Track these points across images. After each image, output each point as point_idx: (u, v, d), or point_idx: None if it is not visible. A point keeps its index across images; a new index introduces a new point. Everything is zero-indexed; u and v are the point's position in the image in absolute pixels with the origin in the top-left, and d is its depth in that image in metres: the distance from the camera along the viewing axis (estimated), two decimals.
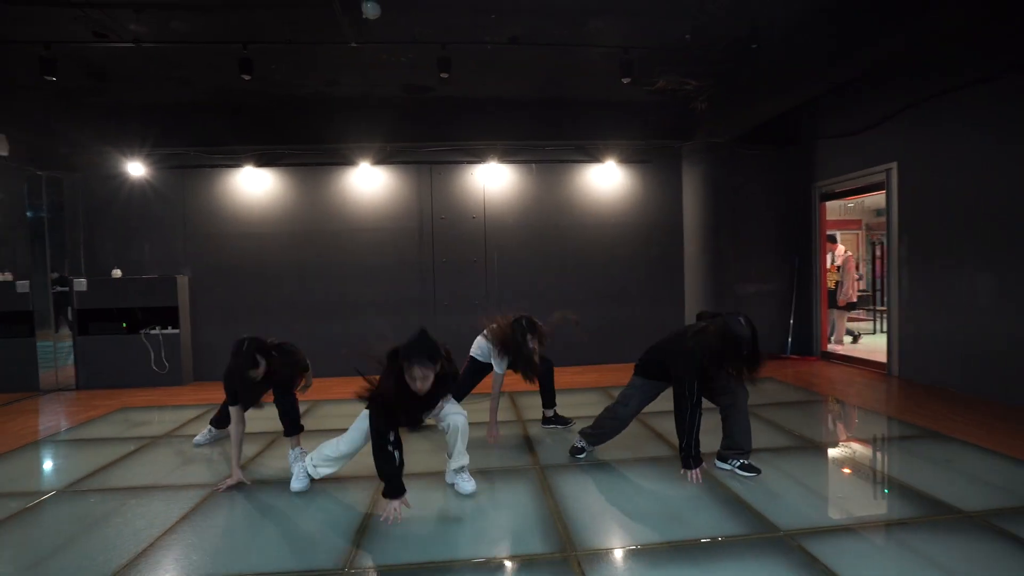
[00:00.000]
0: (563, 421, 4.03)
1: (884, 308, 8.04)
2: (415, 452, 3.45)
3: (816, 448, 3.39)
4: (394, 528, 2.43)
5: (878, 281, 8.27)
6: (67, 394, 5.48)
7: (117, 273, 5.71)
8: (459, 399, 3.40)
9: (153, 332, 5.66)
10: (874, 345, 6.88)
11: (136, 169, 5.75)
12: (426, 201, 6.21)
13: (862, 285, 8.71)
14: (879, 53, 4.17)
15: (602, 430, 3.22)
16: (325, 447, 2.81)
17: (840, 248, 7.39)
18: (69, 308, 5.60)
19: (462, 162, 6.26)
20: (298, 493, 2.84)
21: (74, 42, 4.34)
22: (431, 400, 2.57)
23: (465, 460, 2.81)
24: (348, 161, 6.08)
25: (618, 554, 2.19)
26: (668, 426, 3.77)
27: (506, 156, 6.30)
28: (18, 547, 2.36)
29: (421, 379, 2.39)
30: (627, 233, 6.47)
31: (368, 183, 6.14)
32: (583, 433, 3.29)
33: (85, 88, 5.30)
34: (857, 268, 8.55)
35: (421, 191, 6.22)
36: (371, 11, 3.37)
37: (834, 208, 9.00)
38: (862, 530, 2.33)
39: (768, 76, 5.08)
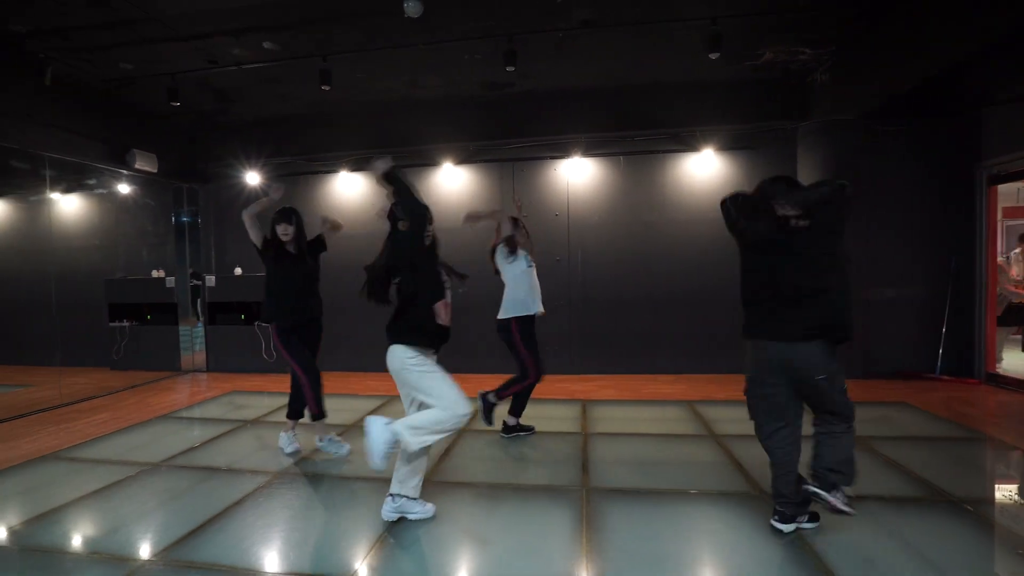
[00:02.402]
0: (526, 429, 3.81)
1: None
2: (454, 457, 3.36)
3: (952, 505, 2.61)
4: (415, 544, 2.35)
5: None
6: (199, 375, 6.34)
7: (238, 271, 6.46)
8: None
9: (264, 324, 6.31)
10: None
11: (252, 178, 6.44)
12: (508, 199, 6.11)
13: None
14: None
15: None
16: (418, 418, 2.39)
17: (1018, 250, 5.79)
18: (200, 301, 6.47)
19: (544, 158, 6.05)
20: (339, 492, 2.89)
21: (194, 71, 4.95)
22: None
23: (398, 489, 2.47)
24: (432, 162, 6.20)
25: None
26: (749, 452, 3.25)
27: (591, 149, 5.96)
28: (100, 514, 2.70)
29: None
30: (726, 230, 5.75)
31: (452, 182, 6.21)
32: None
33: (214, 110, 6.06)
34: None
35: (503, 189, 6.14)
36: (412, 10, 3.32)
37: (1012, 193, 7.16)
38: None
39: (907, 32, 4.13)
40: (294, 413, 3.53)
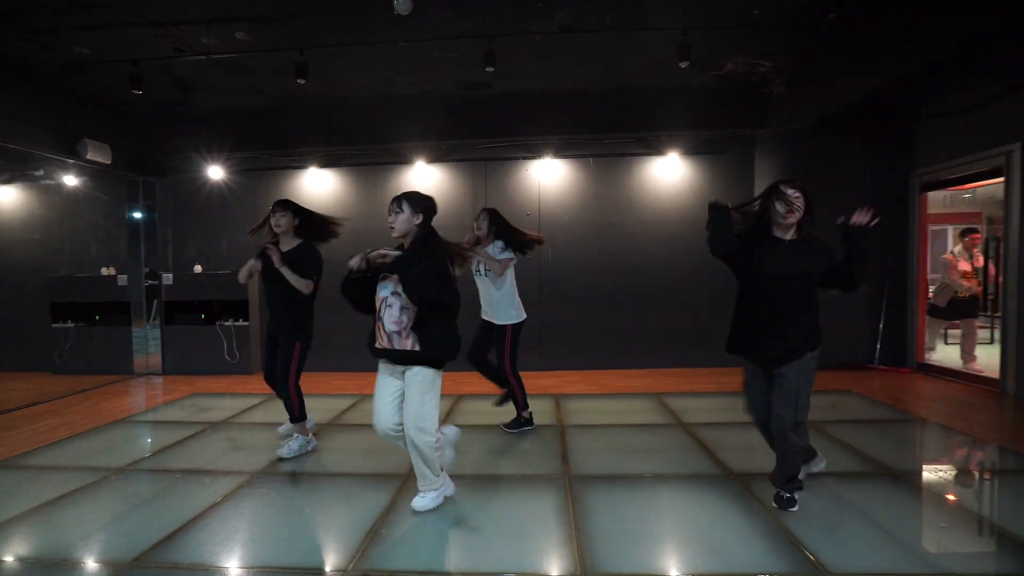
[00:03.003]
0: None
1: (991, 315, 6.90)
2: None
3: (894, 478, 2.90)
4: (405, 532, 2.38)
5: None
6: (155, 378, 6.05)
7: (197, 268, 6.21)
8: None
9: (226, 324, 6.10)
10: (985, 358, 5.91)
11: (215, 172, 6.22)
12: (480, 198, 6.17)
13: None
14: (997, 15, 3.52)
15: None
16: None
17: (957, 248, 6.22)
18: (156, 300, 6.18)
19: (517, 158, 6.15)
20: (323, 489, 2.88)
21: (159, 58, 4.75)
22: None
23: (427, 483, 2.54)
24: (405, 160, 6.19)
25: None
26: (718, 438, 3.47)
27: (562, 151, 6.11)
28: (69, 521, 2.57)
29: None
30: (690, 230, 6.01)
31: (424, 181, 6.21)
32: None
33: (175, 100, 5.81)
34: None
35: (476, 188, 6.19)
36: (402, 7, 3.34)
37: (941, 199, 7.85)
38: None
39: (854, 51, 4.49)
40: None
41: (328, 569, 2.11)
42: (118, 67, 4.81)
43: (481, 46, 4.56)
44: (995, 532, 2.34)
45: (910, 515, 2.53)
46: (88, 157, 5.35)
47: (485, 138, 6.05)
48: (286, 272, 3.12)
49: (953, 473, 3.07)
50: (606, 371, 5.98)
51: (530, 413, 3.83)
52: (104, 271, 6.32)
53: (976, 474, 3.10)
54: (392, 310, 2.41)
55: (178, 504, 2.70)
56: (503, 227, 3.66)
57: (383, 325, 2.42)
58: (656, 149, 6.03)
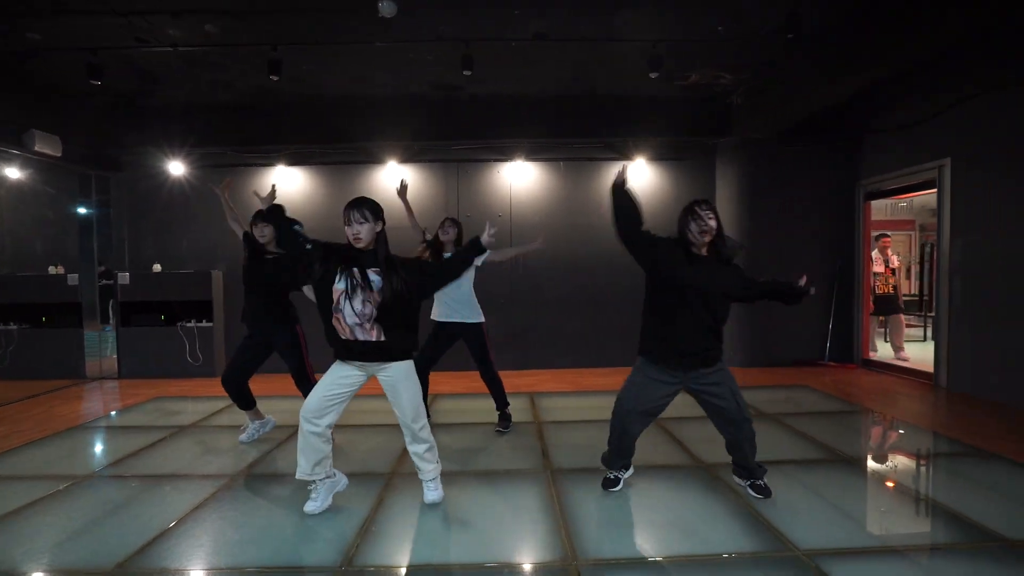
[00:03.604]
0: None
1: (924, 314, 7.52)
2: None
3: (846, 463, 3.16)
4: (396, 528, 2.42)
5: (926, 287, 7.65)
6: (109, 382, 5.77)
7: (157, 268, 5.97)
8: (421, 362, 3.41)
9: (188, 325, 5.89)
10: (921, 354, 6.45)
11: (176, 168, 5.99)
12: (452, 199, 6.22)
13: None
14: (933, 43, 3.88)
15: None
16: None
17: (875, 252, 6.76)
18: (112, 300, 5.90)
19: (489, 160, 6.23)
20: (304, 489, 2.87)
21: (119, 48, 4.55)
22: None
23: (430, 472, 2.63)
24: (376, 160, 6.15)
25: (623, 566, 2.10)
26: (687, 432, 3.66)
27: (533, 154, 6.23)
28: (40, 529, 2.46)
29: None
30: (657, 233, 6.28)
31: (396, 182, 6.17)
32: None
33: (135, 91, 5.56)
34: (909, 271, 7.93)
35: (448, 190, 6.23)
36: (387, 10, 3.37)
37: (883, 208, 8.48)
38: (888, 554, 2.15)
39: (809, 69, 4.82)
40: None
41: (325, 565, 2.13)
42: (70, 55, 4.58)
43: (457, 49, 4.62)
44: (933, 508, 2.61)
45: (859, 494, 2.80)
46: (36, 149, 5.06)
47: (457, 139, 6.10)
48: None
49: (897, 458, 3.37)
50: (577, 369, 6.14)
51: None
52: (52, 270, 5.97)
53: (916, 459, 3.42)
54: (354, 302, 2.35)
55: (155, 509, 2.63)
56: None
57: (343, 318, 2.37)
58: (624, 154, 6.25)
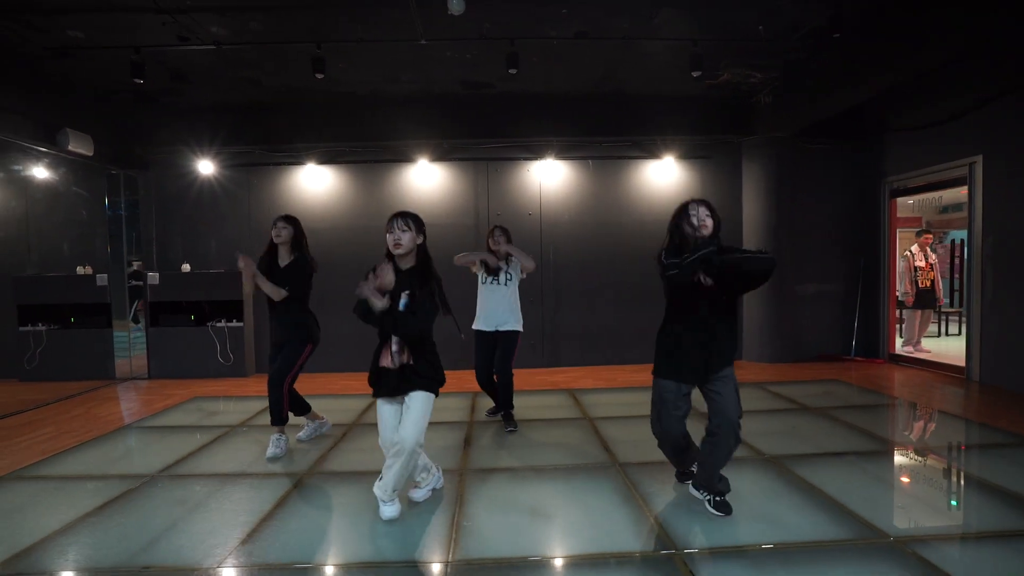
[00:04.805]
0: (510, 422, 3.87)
1: (955, 310, 7.64)
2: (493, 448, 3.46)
3: (907, 452, 3.24)
4: (487, 523, 2.44)
5: (953, 282, 7.75)
6: (140, 383, 5.73)
7: (186, 267, 5.93)
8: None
9: (219, 325, 5.86)
10: (946, 348, 6.55)
11: (206, 167, 5.96)
12: (483, 198, 6.23)
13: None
14: (969, 38, 3.95)
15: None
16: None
17: (915, 247, 6.85)
18: (141, 300, 5.85)
19: (519, 159, 6.25)
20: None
21: (159, 46, 4.52)
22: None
23: (391, 491, 2.47)
24: (406, 158, 6.15)
25: (725, 555, 2.13)
26: (755, 427, 3.69)
27: (563, 153, 6.26)
28: (126, 528, 2.46)
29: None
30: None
31: (426, 180, 6.20)
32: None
33: (164, 90, 5.53)
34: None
35: (478, 188, 6.24)
36: (456, 7, 3.38)
37: (905, 205, 8.56)
38: (988, 539, 2.20)
39: (842, 66, 4.88)
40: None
41: (428, 561, 2.14)
42: (110, 53, 4.55)
43: (496, 47, 4.64)
44: (1005, 495, 2.66)
45: (935, 485, 2.85)
46: (70, 148, 5.02)
47: (487, 138, 6.12)
48: (261, 282, 3.26)
49: (954, 447, 3.44)
50: (608, 366, 6.18)
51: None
52: (80, 270, 5.91)
53: (974, 449, 3.48)
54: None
55: (237, 507, 2.63)
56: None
57: (392, 342, 2.39)
58: (652, 153, 6.29)
